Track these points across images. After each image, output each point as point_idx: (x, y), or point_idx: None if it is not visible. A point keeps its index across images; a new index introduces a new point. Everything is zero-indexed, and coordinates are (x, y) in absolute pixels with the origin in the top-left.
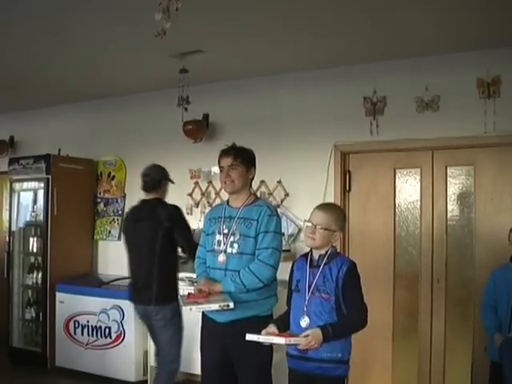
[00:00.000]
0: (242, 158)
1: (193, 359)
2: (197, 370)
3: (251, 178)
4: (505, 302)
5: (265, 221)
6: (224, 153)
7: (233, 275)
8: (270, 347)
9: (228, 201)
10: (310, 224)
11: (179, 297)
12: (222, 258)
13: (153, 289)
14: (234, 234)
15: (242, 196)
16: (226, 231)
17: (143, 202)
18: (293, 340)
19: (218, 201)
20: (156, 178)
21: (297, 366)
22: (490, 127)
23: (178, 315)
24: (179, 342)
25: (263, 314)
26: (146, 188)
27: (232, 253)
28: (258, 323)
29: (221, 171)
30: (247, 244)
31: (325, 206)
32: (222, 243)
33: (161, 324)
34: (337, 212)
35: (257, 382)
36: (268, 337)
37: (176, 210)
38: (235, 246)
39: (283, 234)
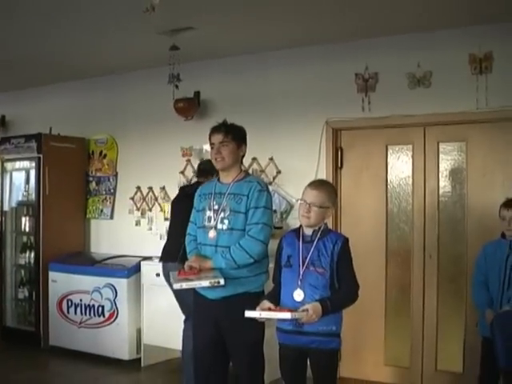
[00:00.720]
0: (233, 135)
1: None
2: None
3: (242, 155)
4: (496, 278)
5: (255, 196)
6: (215, 129)
7: (223, 251)
8: (261, 324)
9: (219, 177)
10: (303, 203)
11: (170, 274)
12: (212, 234)
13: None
14: (224, 210)
15: (233, 172)
16: (216, 207)
17: (195, 183)
18: (297, 314)
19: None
20: (206, 168)
21: (290, 341)
22: (482, 103)
23: None
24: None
25: (254, 290)
26: (198, 175)
27: (222, 229)
28: (250, 300)
29: (212, 148)
30: (237, 220)
31: (317, 184)
32: (213, 219)
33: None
34: (329, 189)
35: (249, 358)
36: (271, 313)
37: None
38: (225, 221)
39: (275, 211)
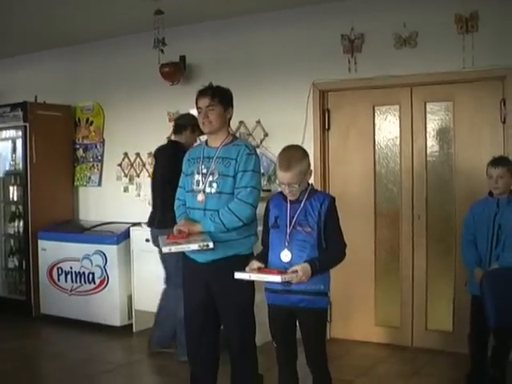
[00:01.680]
0: (220, 98)
1: None
2: None
3: (229, 118)
4: (484, 236)
5: (243, 160)
6: (201, 93)
7: (212, 215)
8: (251, 286)
9: (206, 141)
10: (283, 185)
11: (159, 238)
12: (200, 197)
13: (157, 214)
14: (212, 174)
15: (221, 136)
16: (204, 171)
17: (168, 141)
18: (287, 276)
19: (197, 143)
20: (180, 123)
21: (279, 301)
22: (469, 63)
23: None
24: (175, 268)
25: (244, 252)
26: (175, 131)
27: (211, 192)
28: (239, 262)
29: (199, 112)
30: (226, 183)
31: (287, 163)
32: (201, 183)
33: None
34: (298, 159)
35: (239, 320)
36: (261, 275)
37: (168, 148)
38: (214, 185)
39: (263, 174)
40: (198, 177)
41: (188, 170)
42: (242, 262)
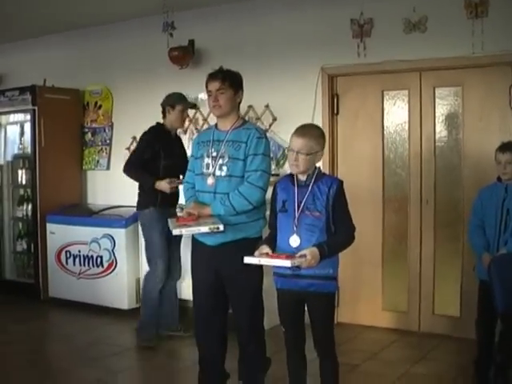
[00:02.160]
0: (230, 82)
1: (183, 286)
2: (188, 295)
3: (239, 102)
4: (492, 222)
5: (254, 143)
6: (211, 77)
7: (222, 198)
8: (260, 269)
9: (216, 125)
10: (291, 151)
11: (169, 220)
12: (210, 180)
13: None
14: (222, 157)
15: (231, 119)
16: (214, 154)
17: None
18: (296, 261)
19: (205, 127)
20: (161, 105)
21: (288, 286)
22: (478, 48)
23: (154, 221)
24: (154, 251)
25: (253, 236)
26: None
27: (221, 175)
28: (248, 245)
29: (209, 96)
30: (236, 166)
31: (303, 131)
32: (211, 166)
33: (142, 228)
34: (315, 133)
35: (248, 303)
36: (271, 260)
37: (145, 132)
38: (224, 168)
39: (272, 159)
40: (207, 160)
41: (198, 153)
42: (251, 246)
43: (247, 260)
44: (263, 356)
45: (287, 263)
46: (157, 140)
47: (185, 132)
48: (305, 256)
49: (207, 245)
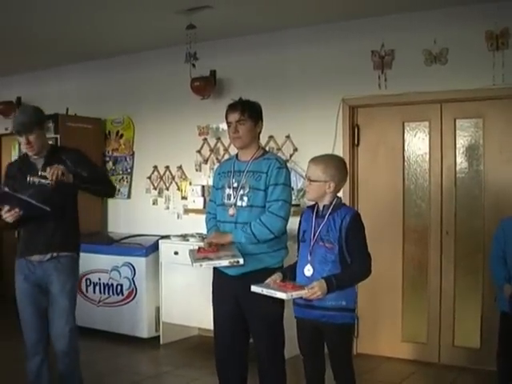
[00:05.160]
0: (250, 113)
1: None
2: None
3: (259, 132)
4: None
5: (274, 173)
6: (231, 108)
7: (244, 226)
8: (281, 300)
9: (237, 155)
10: (306, 178)
11: (189, 252)
12: (232, 211)
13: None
14: (243, 188)
15: (251, 150)
16: (235, 185)
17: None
18: (294, 294)
19: (226, 157)
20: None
21: (303, 315)
22: (499, 79)
23: None
24: None
25: (274, 266)
26: None
27: (242, 206)
28: (269, 275)
29: (228, 127)
30: (257, 197)
31: (316, 158)
32: (232, 197)
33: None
34: (328, 162)
35: (268, 333)
36: (271, 291)
37: None
38: (245, 198)
39: (293, 189)
40: (228, 190)
41: (219, 184)
42: (270, 275)
43: (254, 289)
44: None
45: (283, 296)
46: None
47: (205, 162)
48: (312, 288)
49: (228, 275)
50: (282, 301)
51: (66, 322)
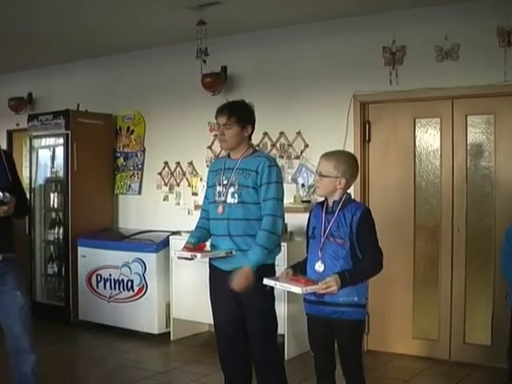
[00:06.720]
0: (237, 117)
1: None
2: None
3: (248, 135)
4: None
5: (266, 172)
6: (218, 111)
7: (250, 247)
8: (271, 295)
9: (229, 154)
10: (316, 173)
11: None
12: (221, 208)
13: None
14: (233, 185)
15: (241, 149)
16: (225, 182)
17: None
18: (309, 289)
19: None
20: None
21: (314, 312)
22: (510, 76)
23: None
24: None
25: (267, 262)
26: None
27: (234, 203)
28: (261, 271)
29: (217, 128)
30: (247, 194)
31: (328, 154)
32: (222, 194)
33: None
34: (339, 158)
35: (261, 324)
36: (285, 285)
37: None
38: (236, 195)
39: (303, 185)
40: (219, 188)
41: (211, 182)
42: (264, 272)
43: (266, 281)
44: (282, 381)
45: (298, 290)
46: None
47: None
48: (325, 283)
49: (222, 270)
50: (271, 293)
51: None
